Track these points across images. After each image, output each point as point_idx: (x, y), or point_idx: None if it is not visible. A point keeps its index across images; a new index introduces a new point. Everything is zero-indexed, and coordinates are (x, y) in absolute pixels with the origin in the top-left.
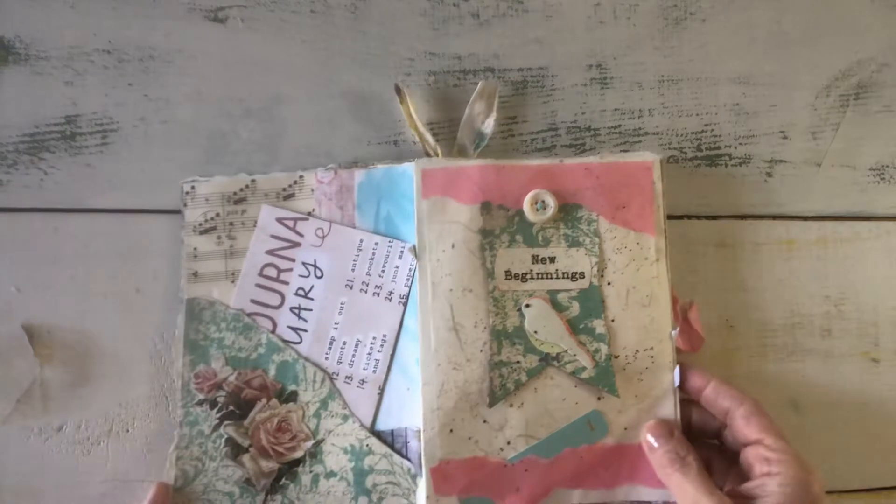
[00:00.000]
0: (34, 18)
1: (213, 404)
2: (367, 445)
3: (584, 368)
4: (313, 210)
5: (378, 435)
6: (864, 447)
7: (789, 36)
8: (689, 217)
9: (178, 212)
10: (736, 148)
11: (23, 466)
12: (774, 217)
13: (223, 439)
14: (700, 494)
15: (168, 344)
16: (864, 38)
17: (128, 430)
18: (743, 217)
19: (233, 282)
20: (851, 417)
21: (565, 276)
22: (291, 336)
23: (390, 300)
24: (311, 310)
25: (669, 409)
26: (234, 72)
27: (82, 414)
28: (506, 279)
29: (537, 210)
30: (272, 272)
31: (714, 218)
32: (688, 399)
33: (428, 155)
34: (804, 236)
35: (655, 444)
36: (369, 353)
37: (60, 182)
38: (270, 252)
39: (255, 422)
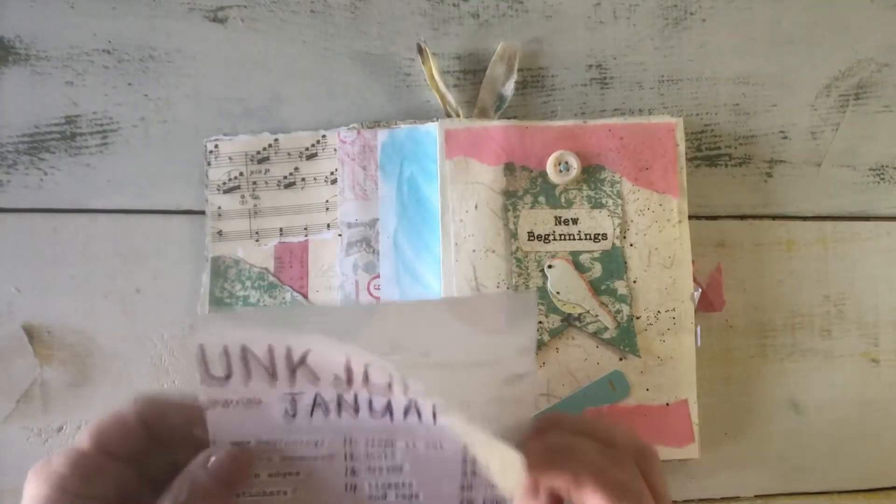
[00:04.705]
0: (34, 18)
1: None
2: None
3: (605, 329)
4: (336, 170)
5: None
6: (864, 447)
7: (789, 36)
8: (690, 217)
9: (178, 212)
10: (736, 148)
11: (23, 466)
12: (774, 217)
13: None
14: None
15: (168, 344)
16: (864, 38)
17: None
18: (743, 217)
19: (257, 241)
20: (851, 417)
21: (588, 237)
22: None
23: None
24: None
25: (691, 368)
26: (234, 72)
27: (82, 414)
28: (528, 240)
29: (560, 171)
30: None
31: (714, 218)
32: None
33: (449, 116)
34: (804, 236)
35: None
36: None
37: (60, 182)
38: None
39: None
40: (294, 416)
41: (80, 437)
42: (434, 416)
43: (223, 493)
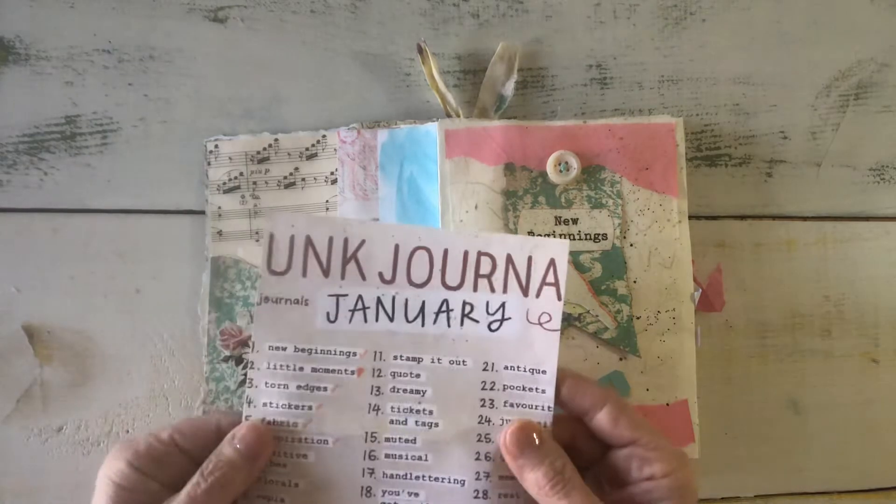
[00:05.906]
0: (34, 18)
1: (239, 361)
2: None
3: (605, 329)
4: (336, 170)
5: None
6: (864, 447)
7: (789, 36)
8: (690, 217)
9: (178, 212)
10: (736, 148)
11: (23, 466)
12: (774, 217)
13: None
14: None
15: (168, 344)
16: (864, 38)
17: (128, 431)
18: (743, 217)
19: (257, 241)
20: (851, 417)
21: (588, 237)
22: None
23: None
24: None
25: (691, 369)
26: (234, 72)
27: (82, 414)
28: None
29: (560, 171)
30: None
31: (714, 218)
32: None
33: (449, 116)
34: (804, 236)
35: (524, 460)
36: None
37: (60, 182)
38: None
39: None
40: (335, 321)
41: (163, 429)
42: (462, 317)
43: (247, 464)
